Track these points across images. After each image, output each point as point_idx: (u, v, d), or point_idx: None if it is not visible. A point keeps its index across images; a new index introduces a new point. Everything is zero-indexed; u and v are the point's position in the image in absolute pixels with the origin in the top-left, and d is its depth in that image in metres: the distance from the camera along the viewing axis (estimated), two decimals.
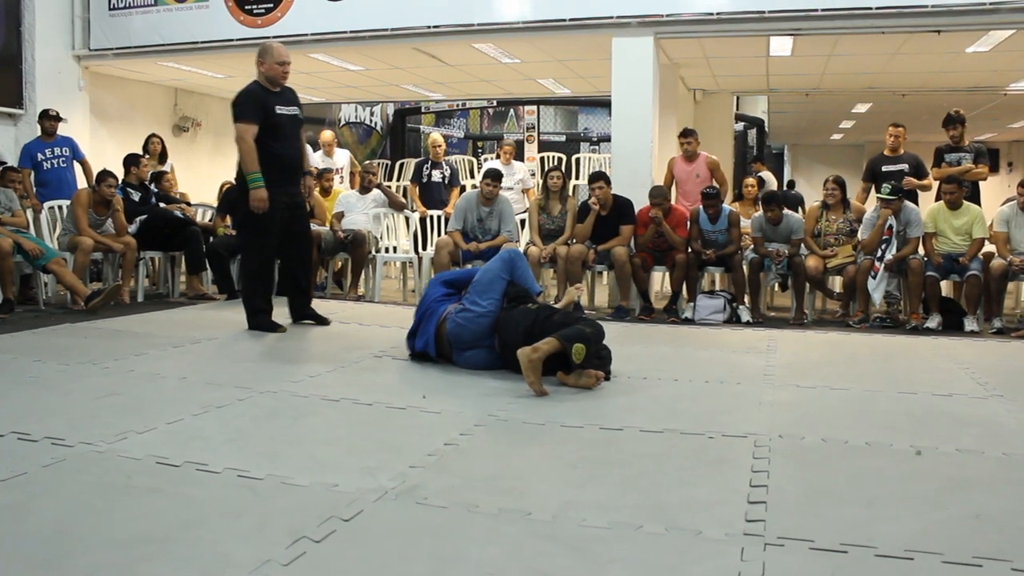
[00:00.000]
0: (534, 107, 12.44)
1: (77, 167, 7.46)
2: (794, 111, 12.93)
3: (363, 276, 7.16)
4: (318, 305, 6.09)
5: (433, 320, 4.02)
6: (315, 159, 8.29)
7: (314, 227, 7.09)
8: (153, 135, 8.37)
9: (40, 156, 7.22)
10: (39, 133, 7.34)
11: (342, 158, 8.94)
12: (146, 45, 8.09)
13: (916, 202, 6.50)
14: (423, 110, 13.24)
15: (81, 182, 7.31)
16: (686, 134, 7.05)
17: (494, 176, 6.58)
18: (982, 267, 5.82)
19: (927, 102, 9.97)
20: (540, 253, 6.35)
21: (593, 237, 6.46)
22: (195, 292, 6.74)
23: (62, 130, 7.43)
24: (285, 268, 5.37)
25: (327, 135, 8.85)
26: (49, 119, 7.23)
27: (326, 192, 7.73)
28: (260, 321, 4.96)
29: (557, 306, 4.20)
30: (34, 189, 7.14)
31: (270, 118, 4.82)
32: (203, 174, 10.00)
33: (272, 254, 5.03)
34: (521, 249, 5.98)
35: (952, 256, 5.93)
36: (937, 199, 6.40)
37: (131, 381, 3.55)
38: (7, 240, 5.70)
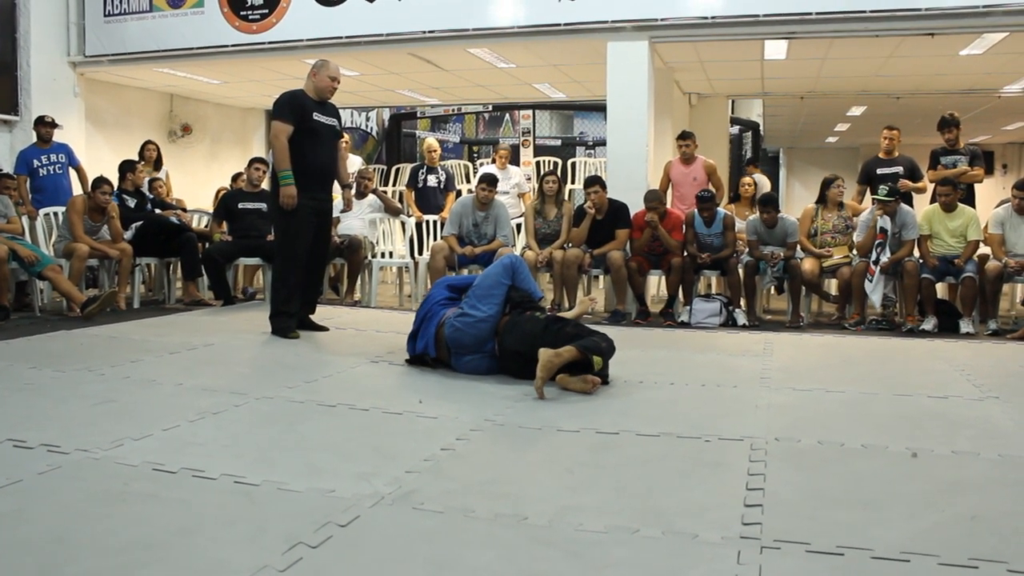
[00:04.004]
0: (529, 112, 12.49)
1: (73, 174, 7.46)
2: (789, 114, 12.96)
3: (359, 281, 7.16)
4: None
5: (433, 322, 4.03)
6: None
7: None
8: (149, 142, 8.37)
9: (36, 163, 7.22)
10: (35, 140, 7.34)
11: (354, 164, 8.94)
12: (141, 51, 8.10)
13: (911, 204, 6.52)
14: (419, 115, 13.27)
15: (77, 189, 7.31)
16: (684, 136, 7.06)
17: (490, 181, 6.58)
18: (977, 269, 5.83)
19: (921, 105, 10.01)
20: (536, 257, 6.35)
21: (589, 241, 6.47)
22: (191, 298, 6.73)
23: (58, 137, 7.43)
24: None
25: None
26: (45, 126, 7.23)
27: None
28: (280, 324, 5.01)
29: (569, 315, 4.21)
30: (29, 196, 7.14)
31: (306, 123, 4.94)
32: (199, 180, 10.01)
33: (303, 258, 5.11)
34: (517, 254, 5.99)
35: (947, 258, 5.95)
36: (932, 202, 6.42)
37: (127, 388, 3.54)
38: (2, 247, 5.69)
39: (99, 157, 8.36)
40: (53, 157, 7.31)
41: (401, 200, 8.92)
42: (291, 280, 5.04)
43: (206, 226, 7.58)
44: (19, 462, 2.47)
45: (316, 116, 5.00)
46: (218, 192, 8.47)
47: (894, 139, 6.87)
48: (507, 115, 14.27)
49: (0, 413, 3.07)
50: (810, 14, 6.33)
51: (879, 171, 6.82)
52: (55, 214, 6.71)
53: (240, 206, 6.93)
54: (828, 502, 2.25)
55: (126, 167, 7.13)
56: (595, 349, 3.61)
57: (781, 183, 18.91)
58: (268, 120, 11.53)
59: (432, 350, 4.01)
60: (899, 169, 6.75)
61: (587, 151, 13.16)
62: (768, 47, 7.28)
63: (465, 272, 6.27)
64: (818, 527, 2.05)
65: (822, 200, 6.46)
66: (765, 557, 1.87)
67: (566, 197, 8.70)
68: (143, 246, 6.73)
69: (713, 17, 6.53)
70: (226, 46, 7.83)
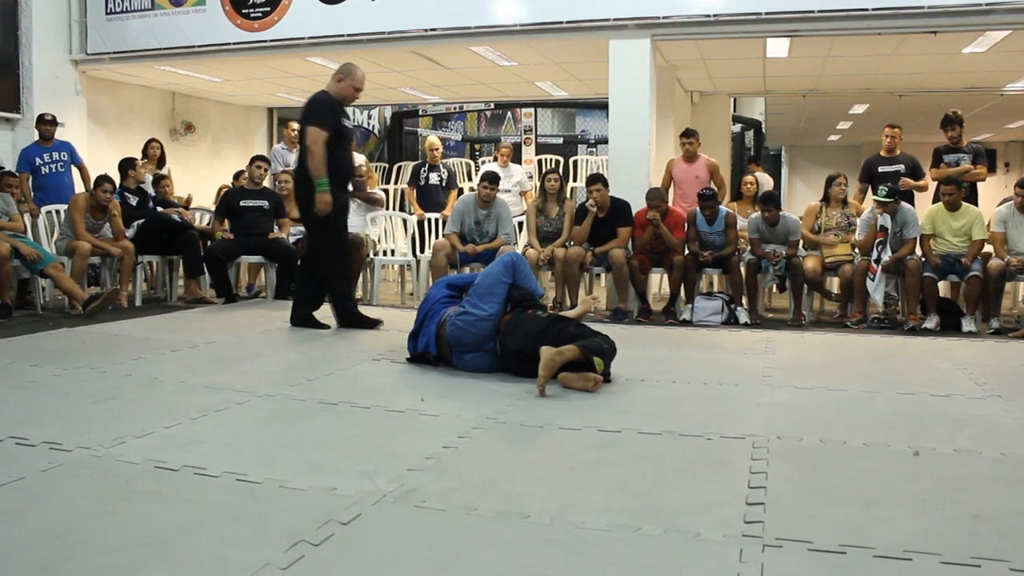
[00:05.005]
0: (531, 110, 12.47)
1: (75, 172, 7.46)
2: (791, 112, 12.94)
3: (361, 279, 7.16)
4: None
5: (435, 320, 4.03)
6: None
7: None
8: (153, 140, 8.38)
9: (39, 160, 7.22)
10: (37, 138, 7.33)
11: (357, 160, 8.93)
12: (143, 49, 8.10)
13: (912, 202, 6.51)
14: (420, 113, 13.26)
15: (79, 187, 7.31)
16: (688, 134, 7.05)
17: (491, 179, 6.58)
18: (982, 268, 5.82)
19: (924, 103, 9.99)
20: (538, 255, 6.35)
21: (591, 239, 6.47)
22: (193, 296, 6.74)
23: (59, 135, 7.42)
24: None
25: None
26: (46, 124, 7.22)
27: None
28: (358, 316, 5.22)
29: (570, 314, 4.21)
30: (32, 194, 7.14)
31: (336, 127, 5.06)
32: (201, 177, 10.00)
33: (345, 248, 5.37)
34: (519, 252, 5.99)
35: (950, 257, 5.94)
36: (935, 200, 6.41)
37: (129, 385, 3.55)
38: (5, 245, 5.70)
39: (101, 155, 8.36)
40: (55, 155, 7.31)
41: (403, 198, 8.92)
42: (341, 271, 5.28)
43: (208, 224, 7.59)
44: (21, 460, 2.47)
45: (343, 120, 5.13)
46: (220, 190, 8.46)
47: (896, 137, 6.87)
48: (509, 113, 14.26)
49: (2, 411, 3.07)
50: (812, 12, 6.32)
51: (880, 169, 6.81)
52: (57, 212, 6.72)
53: (242, 204, 6.92)
54: (830, 500, 2.25)
55: (127, 165, 7.13)
56: (597, 350, 3.62)
57: (783, 181, 18.90)
58: (269, 118, 11.56)
59: (433, 348, 4.02)
60: (900, 167, 6.74)
61: (589, 149, 13.14)
62: (770, 45, 7.27)
63: (467, 270, 6.26)
64: (820, 525, 2.05)
65: (826, 198, 6.47)
66: (767, 555, 1.87)
67: (568, 195, 8.72)
68: (145, 244, 6.74)
69: (715, 15, 6.52)
70: (228, 44, 7.82)
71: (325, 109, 4.99)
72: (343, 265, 5.34)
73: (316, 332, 5.14)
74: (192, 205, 8.21)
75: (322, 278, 5.24)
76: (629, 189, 6.63)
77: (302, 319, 5.23)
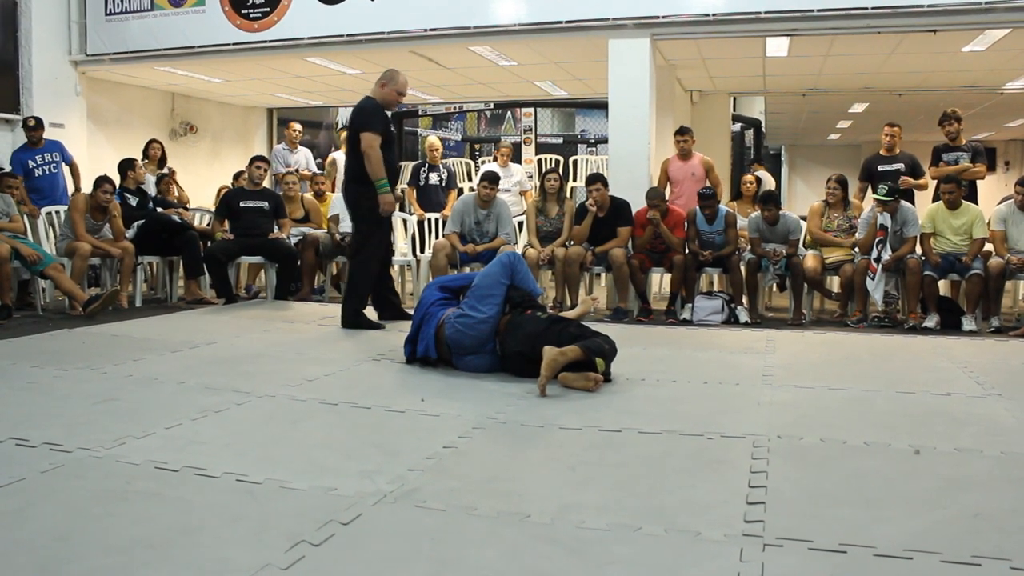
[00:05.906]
0: (531, 109, 12.46)
1: (67, 170, 7.43)
2: (791, 111, 12.95)
3: None
4: (316, 310, 6.11)
5: (432, 323, 4.02)
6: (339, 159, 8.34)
7: (311, 231, 7.11)
8: (153, 140, 8.38)
9: (31, 163, 7.18)
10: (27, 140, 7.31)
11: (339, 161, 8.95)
12: (143, 50, 8.10)
13: (912, 201, 6.51)
14: (420, 113, 13.25)
15: (72, 185, 7.30)
16: (682, 132, 7.06)
17: (491, 179, 6.58)
18: (983, 266, 5.82)
19: (923, 101, 9.99)
20: (538, 255, 6.35)
21: (591, 239, 6.47)
22: (193, 297, 6.74)
23: (62, 136, 7.40)
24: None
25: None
26: (30, 129, 7.16)
27: (320, 196, 7.74)
28: (364, 319, 5.31)
29: (570, 315, 4.21)
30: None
31: (386, 132, 5.26)
32: (201, 178, 10.01)
33: (388, 247, 5.69)
34: (519, 251, 5.99)
35: (951, 256, 5.93)
36: (935, 199, 6.41)
37: (129, 386, 3.55)
38: (5, 246, 5.70)
39: (101, 156, 8.36)
40: (47, 156, 7.28)
41: (403, 198, 8.92)
42: (372, 276, 5.40)
43: (208, 224, 7.59)
44: (22, 460, 2.47)
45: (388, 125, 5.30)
46: (220, 190, 8.47)
47: (895, 136, 6.87)
48: (509, 113, 14.25)
49: (2, 412, 3.07)
50: (811, 11, 6.32)
51: (880, 168, 6.82)
52: (56, 213, 6.71)
53: (242, 204, 6.92)
54: (830, 499, 2.25)
55: (126, 165, 7.12)
56: (598, 351, 3.62)
57: (783, 181, 18.91)
58: (269, 118, 11.56)
59: (433, 352, 4.01)
60: (900, 166, 6.74)
61: (589, 149, 13.13)
62: (770, 44, 7.26)
63: (467, 270, 6.26)
64: (820, 525, 2.05)
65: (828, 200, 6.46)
66: (767, 555, 1.87)
67: (568, 195, 8.71)
68: (145, 244, 6.74)
69: (714, 14, 6.52)
70: (227, 45, 7.82)
71: (376, 115, 5.18)
72: (381, 264, 5.53)
73: (316, 332, 5.14)
74: (192, 206, 8.20)
75: (360, 273, 5.37)
76: (629, 188, 6.63)
77: (391, 315, 5.45)
